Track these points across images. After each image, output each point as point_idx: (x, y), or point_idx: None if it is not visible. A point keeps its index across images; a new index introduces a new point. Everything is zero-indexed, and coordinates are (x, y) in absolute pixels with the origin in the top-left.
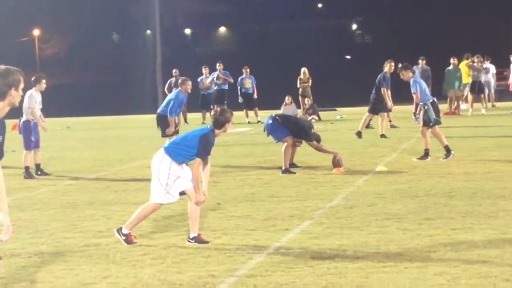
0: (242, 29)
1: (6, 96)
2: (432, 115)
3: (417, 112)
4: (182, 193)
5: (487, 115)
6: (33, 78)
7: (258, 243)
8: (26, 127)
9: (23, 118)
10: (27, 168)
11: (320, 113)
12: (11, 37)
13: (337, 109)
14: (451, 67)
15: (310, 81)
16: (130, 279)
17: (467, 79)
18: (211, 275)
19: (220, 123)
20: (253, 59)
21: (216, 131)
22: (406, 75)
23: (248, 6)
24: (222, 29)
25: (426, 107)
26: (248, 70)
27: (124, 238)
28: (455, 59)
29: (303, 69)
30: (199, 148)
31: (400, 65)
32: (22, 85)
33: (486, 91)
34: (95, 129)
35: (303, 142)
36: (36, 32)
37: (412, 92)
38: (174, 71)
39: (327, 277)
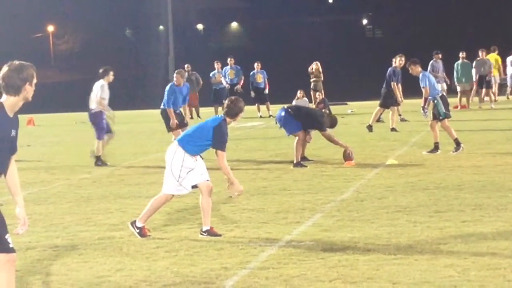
0: (254, 24)
1: (21, 91)
2: (442, 108)
3: (426, 106)
4: (194, 186)
5: (496, 108)
6: (101, 70)
7: (270, 235)
8: (97, 117)
9: (95, 109)
10: (98, 157)
11: (331, 107)
12: (26, 33)
13: (348, 103)
14: (460, 61)
15: (322, 75)
16: (143, 272)
17: (495, 71)
18: (223, 267)
19: (234, 112)
20: (265, 54)
21: (228, 119)
22: (415, 69)
23: (259, 1)
24: (234, 24)
25: (435, 101)
26: (259, 65)
27: (138, 231)
28: (464, 53)
29: (315, 63)
30: (214, 140)
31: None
32: (35, 80)
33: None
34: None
35: (312, 137)
36: (50, 28)
37: (421, 86)
38: (186, 66)
39: (338, 269)
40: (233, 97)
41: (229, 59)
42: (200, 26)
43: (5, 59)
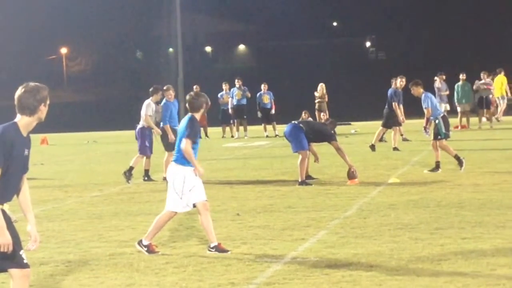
0: (260, 47)
1: (36, 112)
2: (442, 128)
3: (427, 126)
4: (194, 205)
5: (495, 128)
6: (151, 89)
7: (275, 252)
8: (142, 133)
9: (139, 125)
10: (131, 168)
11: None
12: (40, 55)
13: (352, 123)
14: (460, 82)
15: (327, 96)
16: (153, 287)
17: (499, 92)
18: (231, 282)
19: (196, 106)
20: (271, 76)
21: (195, 114)
22: (416, 90)
23: (266, 24)
24: (241, 47)
25: (437, 121)
26: (266, 86)
27: (145, 249)
28: (464, 74)
29: (321, 85)
30: (184, 130)
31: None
32: (48, 101)
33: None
34: (120, 143)
35: (320, 158)
36: (63, 50)
37: (424, 107)
38: (194, 87)
39: (342, 284)
40: (192, 93)
41: (236, 80)
42: (208, 49)
43: (20, 80)
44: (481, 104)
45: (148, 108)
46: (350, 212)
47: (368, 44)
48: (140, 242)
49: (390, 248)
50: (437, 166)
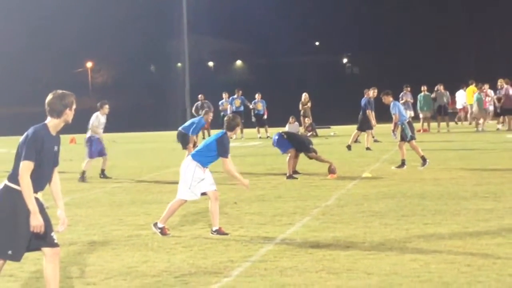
0: (255, 62)
1: (62, 115)
2: (408, 132)
3: (395, 129)
4: (203, 194)
5: (452, 132)
6: (98, 104)
7: (267, 234)
8: (89, 141)
9: (88, 134)
10: (83, 172)
11: (317, 130)
12: (69, 68)
13: (331, 127)
14: (422, 93)
15: (310, 103)
16: (165, 263)
17: (470, 100)
18: (230, 260)
19: (231, 126)
20: (264, 87)
21: (229, 133)
22: (387, 99)
23: (260, 43)
24: (239, 62)
25: (403, 125)
26: (260, 95)
27: (159, 230)
28: (425, 86)
29: (304, 94)
30: (218, 150)
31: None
32: (74, 106)
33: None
34: (136, 143)
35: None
36: (89, 64)
37: (392, 113)
38: (200, 96)
39: (323, 262)
40: (231, 115)
41: (236, 90)
42: (211, 63)
43: (53, 90)
44: (440, 111)
45: (96, 119)
46: (330, 201)
47: (345, 60)
48: (155, 224)
49: (364, 232)
50: (403, 163)
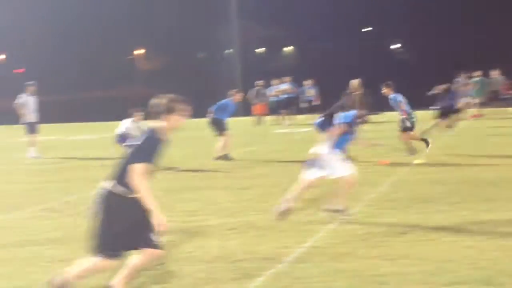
0: (306, 48)
1: (165, 118)
2: (407, 123)
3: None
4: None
5: (507, 117)
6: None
7: (322, 220)
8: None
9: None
10: None
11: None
12: (121, 55)
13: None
14: (478, 78)
15: (361, 90)
16: (219, 249)
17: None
18: (284, 246)
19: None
20: (315, 73)
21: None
22: (387, 91)
23: (309, 28)
24: (289, 48)
25: (410, 117)
26: (311, 81)
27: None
28: (480, 72)
29: (356, 81)
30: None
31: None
32: (182, 112)
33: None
34: (186, 130)
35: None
36: (139, 51)
37: (401, 109)
38: (259, 82)
39: (378, 248)
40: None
41: (287, 78)
42: (260, 49)
43: (108, 75)
44: (492, 97)
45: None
46: (384, 188)
47: (397, 45)
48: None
49: (418, 218)
50: (426, 143)
